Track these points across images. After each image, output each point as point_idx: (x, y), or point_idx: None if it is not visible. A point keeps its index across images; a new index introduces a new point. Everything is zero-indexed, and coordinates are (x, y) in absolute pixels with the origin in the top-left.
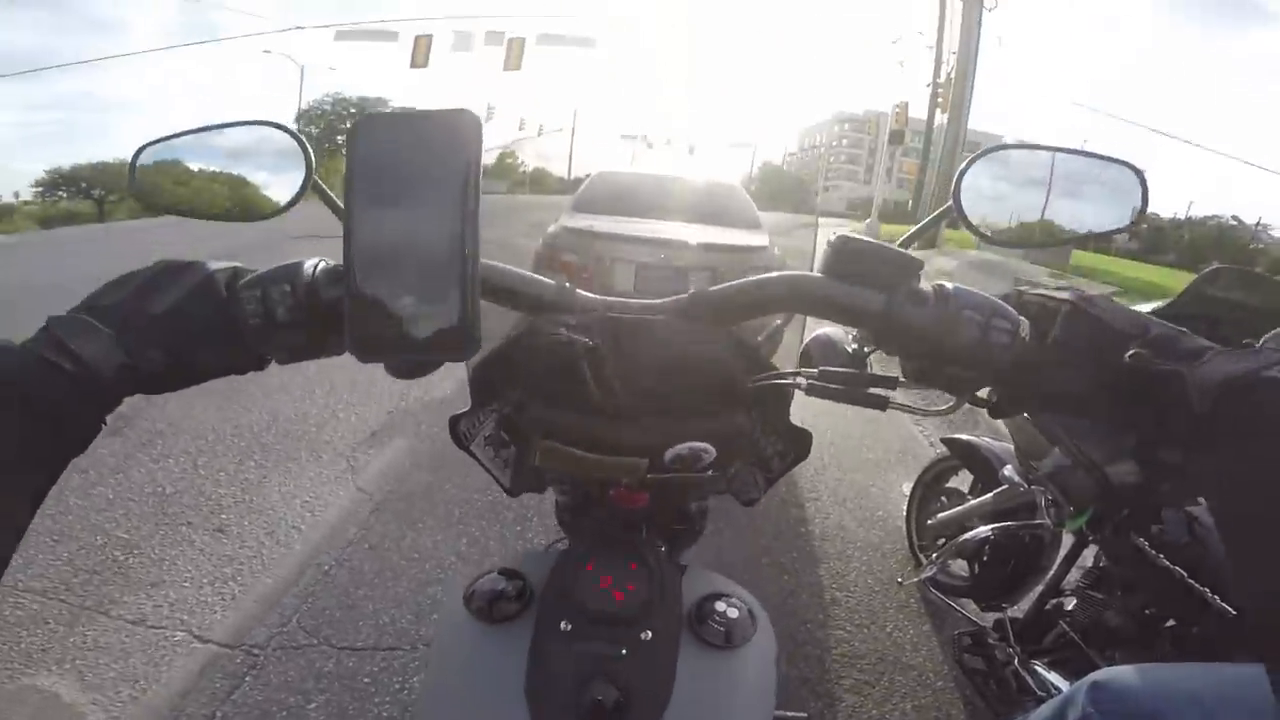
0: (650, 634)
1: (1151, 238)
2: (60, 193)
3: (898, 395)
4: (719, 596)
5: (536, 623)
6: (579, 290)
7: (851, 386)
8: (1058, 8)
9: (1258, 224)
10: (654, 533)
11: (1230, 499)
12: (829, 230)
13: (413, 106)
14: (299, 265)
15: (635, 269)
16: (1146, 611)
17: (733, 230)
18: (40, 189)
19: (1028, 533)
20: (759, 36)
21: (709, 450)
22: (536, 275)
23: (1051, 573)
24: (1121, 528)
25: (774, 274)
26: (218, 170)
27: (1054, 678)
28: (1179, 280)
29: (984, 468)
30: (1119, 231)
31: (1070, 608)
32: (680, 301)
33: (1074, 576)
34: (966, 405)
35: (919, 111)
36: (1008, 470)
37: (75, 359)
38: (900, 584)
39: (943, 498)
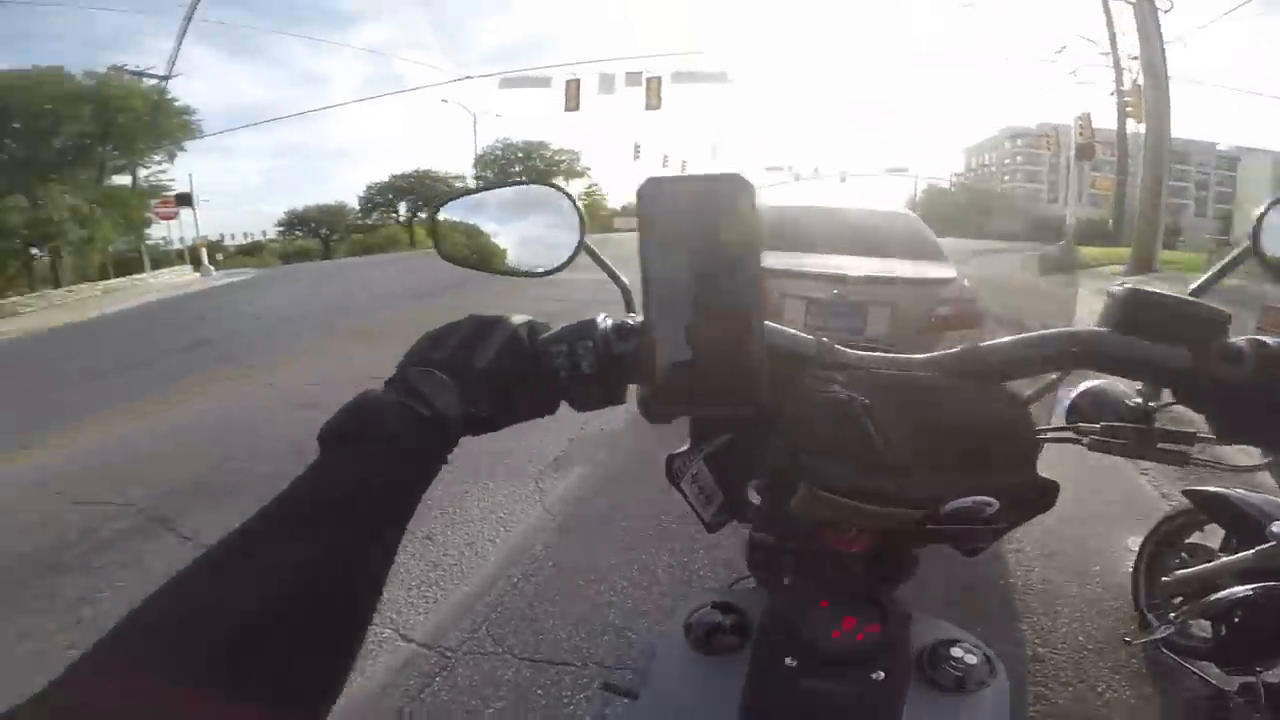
0: (882, 675)
1: None
2: (296, 231)
3: (1196, 450)
4: (953, 642)
5: (755, 657)
6: (838, 346)
7: (1142, 443)
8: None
9: None
10: (871, 574)
11: None
12: (1013, 256)
13: (573, 150)
14: (593, 322)
15: (805, 305)
16: None
17: (910, 261)
18: (280, 228)
19: None
20: (907, 52)
21: (992, 503)
22: (798, 332)
23: None
24: None
25: (1056, 330)
26: (497, 227)
27: None
28: None
29: (1243, 522)
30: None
31: None
32: (949, 358)
33: None
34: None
35: (1101, 122)
36: (1277, 527)
37: (430, 405)
38: (1128, 643)
39: (1183, 554)
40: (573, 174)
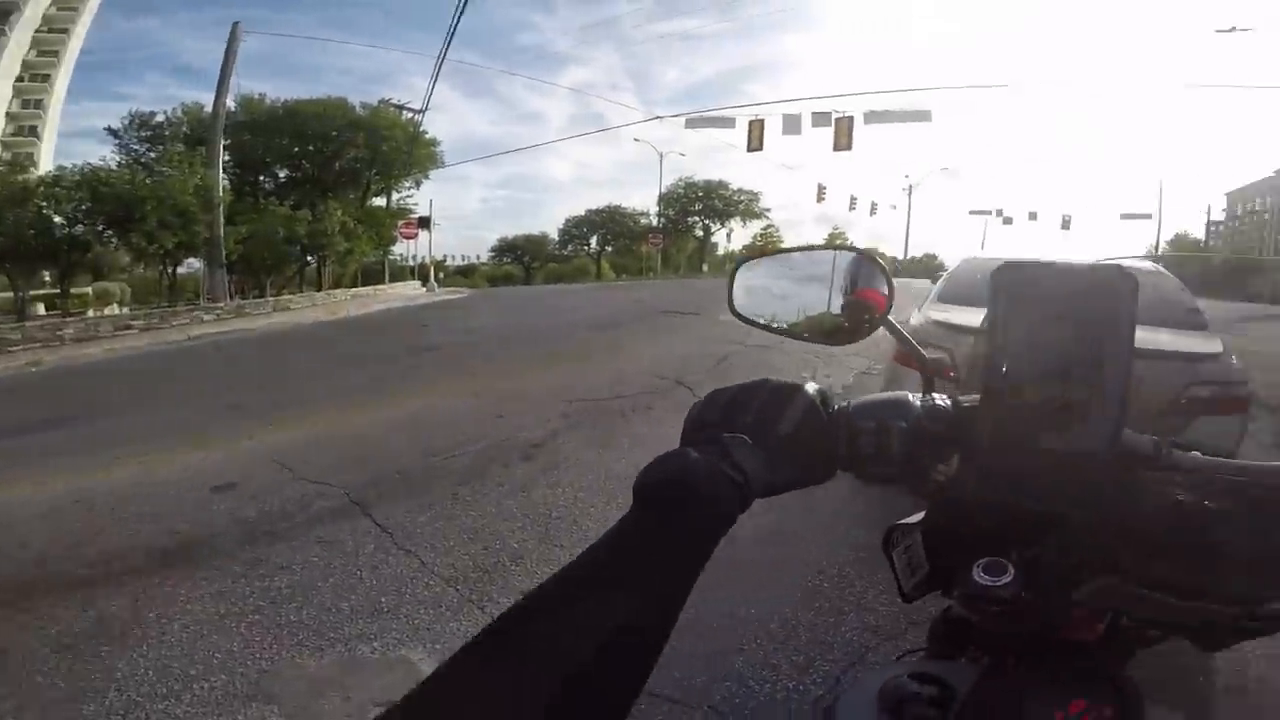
0: None
1: None
2: (504, 257)
3: None
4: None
5: None
6: (1175, 449)
7: None
8: None
9: None
10: (1098, 656)
11: None
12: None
13: (753, 190)
14: (906, 399)
15: None
16: None
17: (1161, 331)
18: (492, 253)
19: None
20: (1150, 80)
21: None
22: (1131, 432)
23: None
24: None
25: None
26: (795, 289)
27: None
28: None
29: None
30: None
31: None
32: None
33: None
34: None
35: None
36: None
37: (742, 472)
38: None
39: None
40: (751, 214)
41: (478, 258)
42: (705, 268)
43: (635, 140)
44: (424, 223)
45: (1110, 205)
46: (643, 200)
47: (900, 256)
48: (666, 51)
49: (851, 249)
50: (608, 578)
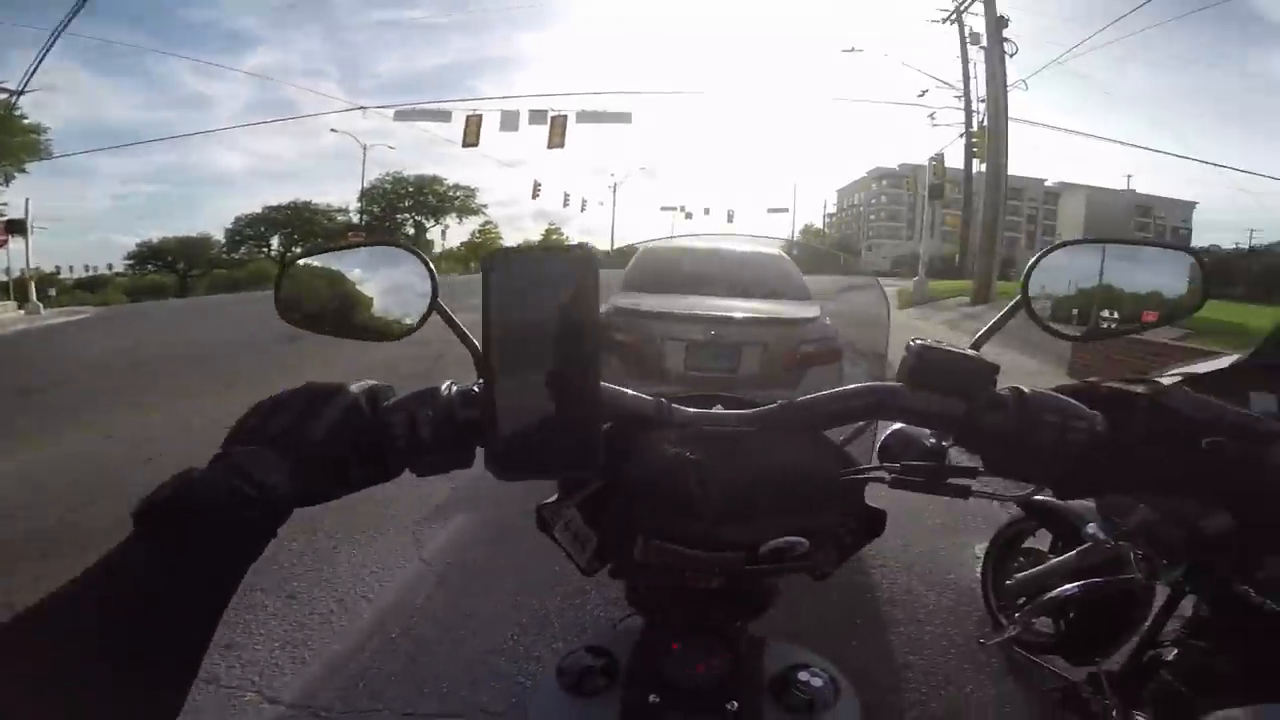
0: (736, 704)
1: (1217, 271)
2: (149, 265)
3: (976, 483)
4: (801, 667)
5: (624, 696)
6: (675, 405)
7: (933, 479)
8: (1082, 49)
9: None
10: (730, 608)
11: None
12: (879, 291)
13: (469, 186)
14: (435, 390)
15: (686, 347)
16: (1252, 656)
17: (782, 303)
18: (130, 261)
19: (1117, 587)
20: (787, 100)
21: (803, 543)
22: (638, 393)
23: (1148, 624)
24: (1221, 576)
25: (860, 385)
26: (349, 289)
27: None
28: (1249, 315)
29: (1065, 526)
30: (1185, 316)
31: (1170, 658)
32: (770, 412)
33: (1172, 626)
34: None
35: (957, 162)
36: (1091, 528)
37: (259, 486)
38: (982, 644)
39: (1021, 558)
40: (468, 211)
41: (109, 267)
42: None
43: (333, 131)
44: (15, 227)
45: (761, 201)
46: (343, 195)
47: (609, 249)
48: (383, 39)
49: (394, 243)
50: (89, 608)
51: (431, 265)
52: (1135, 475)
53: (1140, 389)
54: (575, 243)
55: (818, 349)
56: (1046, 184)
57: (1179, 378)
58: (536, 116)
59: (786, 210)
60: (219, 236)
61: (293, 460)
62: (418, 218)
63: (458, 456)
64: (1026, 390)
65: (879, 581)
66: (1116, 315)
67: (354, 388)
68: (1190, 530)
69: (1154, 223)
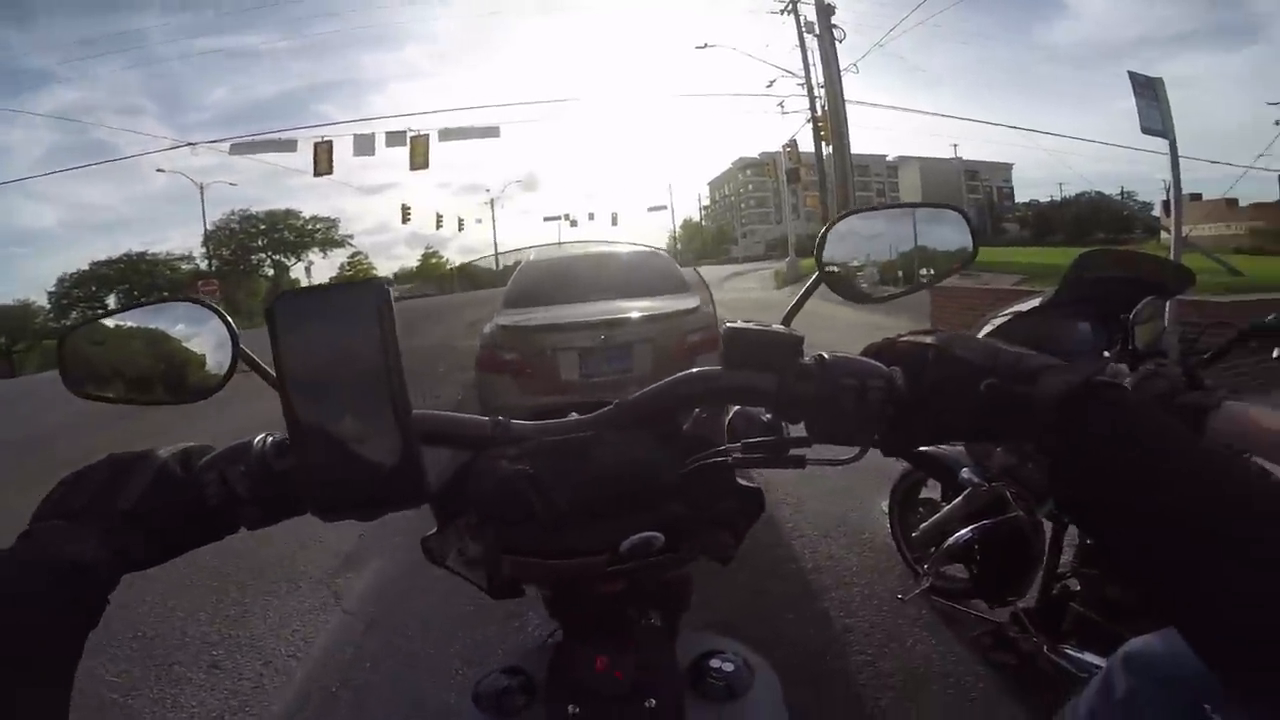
0: (654, 701)
1: (1038, 222)
2: None
3: (811, 453)
4: (713, 654)
5: (544, 712)
6: (513, 421)
7: (772, 454)
8: (898, 31)
9: (1122, 193)
10: (643, 606)
11: (1090, 492)
12: (756, 275)
13: (329, 218)
14: (249, 443)
15: (578, 355)
16: None
17: (664, 298)
18: None
19: (1007, 526)
20: (655, 99)
21: (658, 537)
22: (472, 416)
23: (1046, 558)
24: None
25: (684, 373)
26: (143, 351)
27: (1088, 657)
28: (1069, 256)
29: (945, 474)
30: (962, 268)
31: (1076, 588)
32: (607, 414)
33: (1068, 557)
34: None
35: (806, 146)
36: (965, 473)
37: (65, 561)
38: (902, 599)
39: (920, 509)
40: (330, 243)
41: None
42: None
43: (161, 171)
44: None
45: (642, 200)
46: (185, 241)
47: (494, 267)
48: (209, 69)
49: (183, 298)
50: None
51: (228, 317)
52: (938, 424)
53: (929, 340)
54: (368, 277)
55: (704, 336)
56: (888, 159)
57: (1009, 317)
58: (395, 138)
59: (665, 207)
60: (43, 302)
61: (100, 531)
62: (275, 256)
63: (283, 506)
64: (827, 356)
65: (801, 553)
66: (901, 275)
67: (163, 451)
68: (1046, 465)
69: (981, 184)
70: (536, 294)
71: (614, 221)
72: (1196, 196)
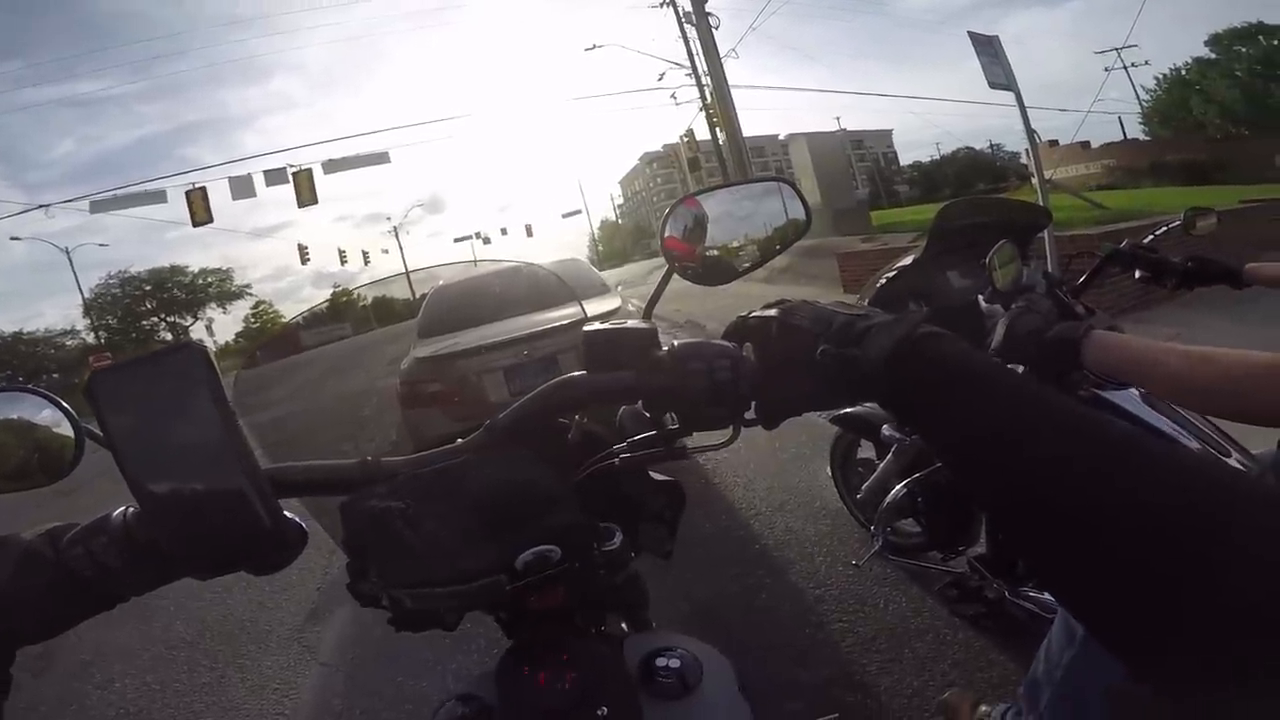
0: (605, 709)
1: (925, 181)
2: None
3: (693, 440)
4: (660, 652)
5: None
6: (383, 459)
7: (654, 447)
8: (768, 12)
9: (991, 146)
10: (595, 614)
11: (932, 439)
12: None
13: (221, 269)
14: (109, 516)
15: (503, 374)
16: None
17: (586, 302)
18: None
19: (939, 475)
20: (552, 105)
21: (554, 550)
22: (337, 461)
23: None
24: None
25: (546, 384)
26: None
27: (1048, 596)
28: None
29: (869, 432)
30: (798, 238)
31: (1005, 538)
32: (477, 438)
33: None
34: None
35: (703, 134)
36: (885, 429)
37: None
38: (857, 565)
39: (860, 469)
40: (227, 295)
41: None
42: None
43: (15, 239)
44: None
45: (556, 207)
46: (63, 313)
47: (411, 297)
48: (51, 121)
49: (32, 390)
50: None
51: (64, 404)
52: (794, 394)
53: (773, 312)
54: (184, 341)
55: None
56: (780, 138)
57: (894, 273)
58: (274, 176)
59: (580, 211)
60: None
61: None
62: (169, 317)
63: (159, 570)
64: (676, 344)
65: (760, 531)
66: (743, 253)
67: (26, 534)
68: None
69: (868, 152)
70: (451, 320)
71: (529, 233)
72: (1054, 142)
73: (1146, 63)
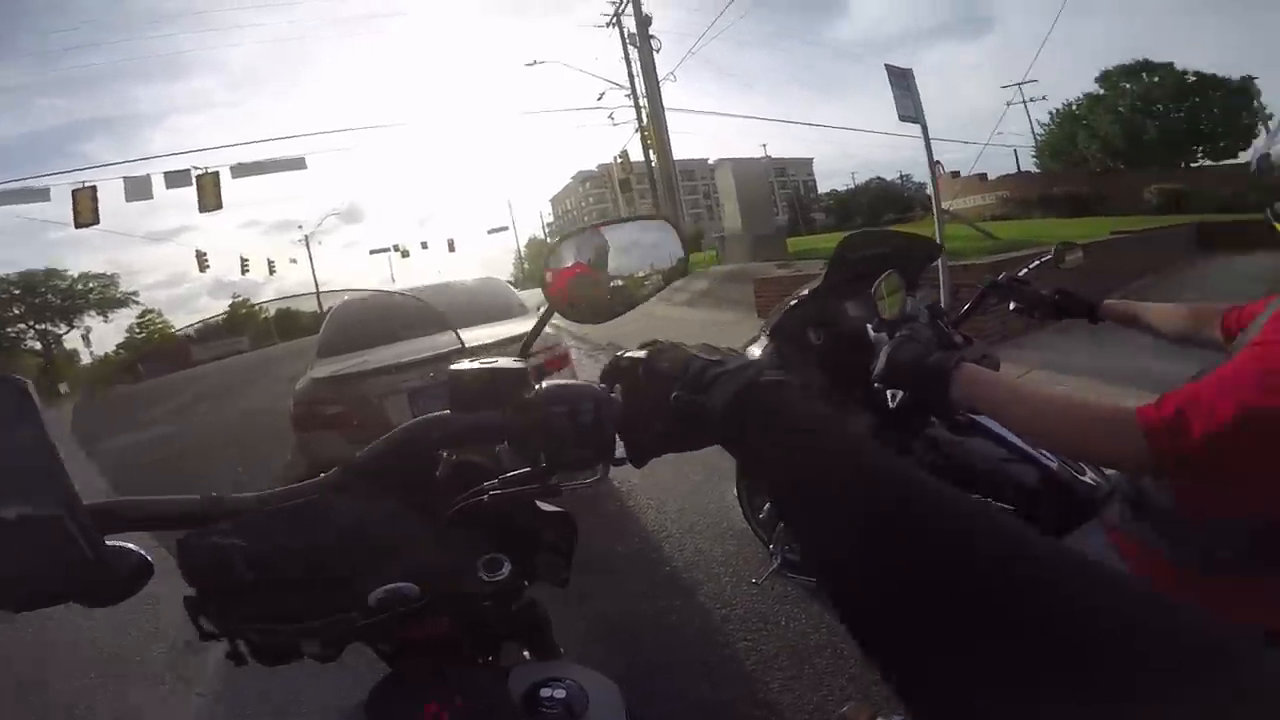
0: None
1: (840, 209)
2: None
3: (563, 476)
4: (545, 683)
5: None
6: (229, 495)
7: (533, 483)
8: (708, 37)
9: (901, 176)
10: (486, 644)
11: (772, 484)
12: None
13: (105, 274)
14: None
15: (408, 397)
16: None
17: (501, 323)
18: None
19: None
20: (487, 119)
21: (409, 588)
22: (180, 496)
23: None
24: None
25: (408, 423)
26: None
27: None
28: None
29: None
30: (680, 275)
31: None
32: (332, 477)
33: None
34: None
35: (639, 155)
36: None
37: None
38: (756, 584)
39: (762, 490)
40: (110, 303)
41: None
42: (64, 388)
43: None
44: None
45: (481, 222)
46: None
47: (318, 310)
48: None
49: None
50: None
51: None
52: (657, 436)
53: (642, 354)
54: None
55: (549, 357)
56: (709, 162)
57: (796, 301)
58: (177, 178)
59: (507, 228)
60: None
61: None
62: (40, 326)
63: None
64: (542, 386)
65: (671, 554)
66: (632, 283)
67: None
68: None
69: (789, 180)
70: (355, 338)
71: (450, 248)
72: (956, 174)
73: (1044, 97)
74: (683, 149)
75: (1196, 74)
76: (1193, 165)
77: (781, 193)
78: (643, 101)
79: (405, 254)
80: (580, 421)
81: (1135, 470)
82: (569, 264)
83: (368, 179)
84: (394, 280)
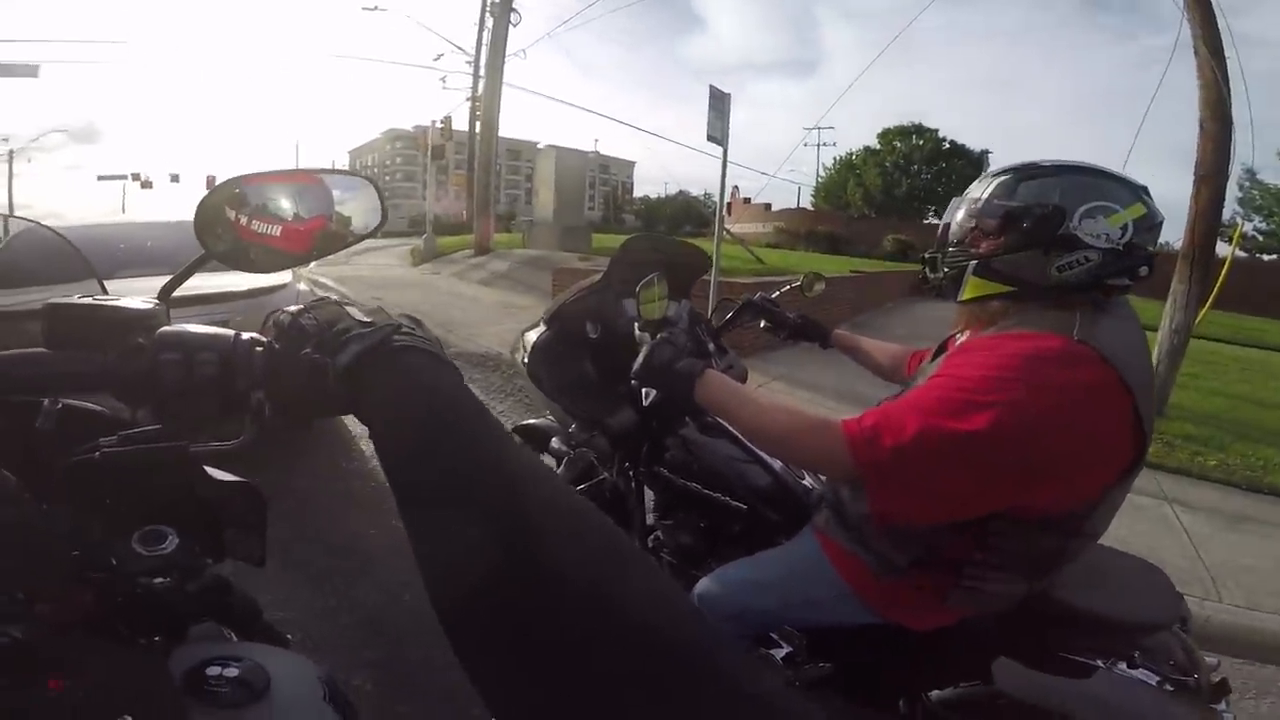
0: (130, 718)
1: (648, 215)
2: None
3: (190, 440)
4: (211, 661)
5: None
6: None
7: (145, 443)
8: (573, 23)
9: (704, 195)
10: (145, 624)
11: (380, 451)
12: (392, 251)
13: None
14: None
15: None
16: (702, 524)
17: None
18: None
19: (602, 488)
20: (290, 55)
21: (17, 597)
22: None
23: (638, 514)
24: (646, 463)
25: None
26: None
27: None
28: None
29: (543, 444)
30: (376, 233)
31: (663, 539)
32: None
33: (652, 514)
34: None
35: (462, 124)
36: (554, 442)
37: None
38: None
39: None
40: None
41: None
42: None
43: None
44: None
45: (256, 163)
46: None
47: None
48: None
49: None
50: None
51: None
52: (305, 396)
53: (297, 307)
54: None
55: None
56: (539, 145)
57: (577, 295)
58: None
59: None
60: None
61: None
62: None
63: None
64: (161, 331)
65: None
66: (329, 237)
67: None
68: (604, 430)
69: (611, 178)
70: (38, 271)
71: (208, 185)
72: (748, 200)
73: (834, 144)
74: (516, 129)
75: (951, 142)
76: (924, 221)
77: (601, 189)
78: (483, 72)
79: (147, 184)
80: (199, 373)
81: (840, 476)
82: (245, 208)
83: (122, 97)
84: (124, 211)
